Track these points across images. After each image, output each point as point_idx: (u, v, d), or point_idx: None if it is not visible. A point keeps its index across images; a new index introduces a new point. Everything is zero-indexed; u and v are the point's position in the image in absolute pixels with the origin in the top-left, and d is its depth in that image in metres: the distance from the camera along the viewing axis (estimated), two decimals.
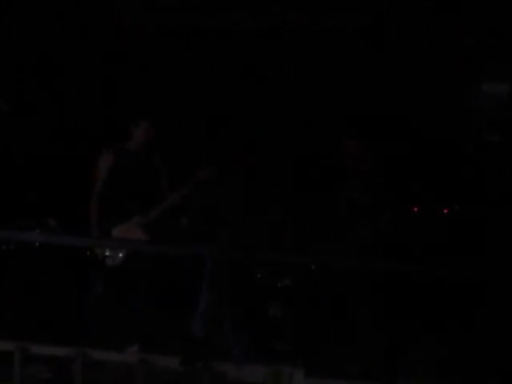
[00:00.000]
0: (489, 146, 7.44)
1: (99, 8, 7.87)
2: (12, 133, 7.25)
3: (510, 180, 7.16)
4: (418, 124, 7.68)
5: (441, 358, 6.30)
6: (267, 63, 8.13)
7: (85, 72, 7.93)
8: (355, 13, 7.89)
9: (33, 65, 7.57)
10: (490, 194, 7.23)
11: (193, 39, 8.19)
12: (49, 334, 6.20)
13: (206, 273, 6.26)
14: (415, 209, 7.23)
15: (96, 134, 7.47)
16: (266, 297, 6.69)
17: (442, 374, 6.15)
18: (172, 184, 6.48)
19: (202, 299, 6.20)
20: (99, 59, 7.99)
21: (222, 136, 7.47)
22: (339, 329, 6.14)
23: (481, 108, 7.51)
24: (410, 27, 7.77)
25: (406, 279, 5.99)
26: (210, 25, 8.13)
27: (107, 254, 6.26)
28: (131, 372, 5.60)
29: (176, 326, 6.52)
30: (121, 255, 6.27)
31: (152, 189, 6.40)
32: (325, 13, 7.97)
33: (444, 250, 6.89)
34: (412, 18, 7.74)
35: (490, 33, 7.38)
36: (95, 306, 6.43)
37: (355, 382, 5.28)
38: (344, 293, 6.16)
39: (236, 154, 7.01)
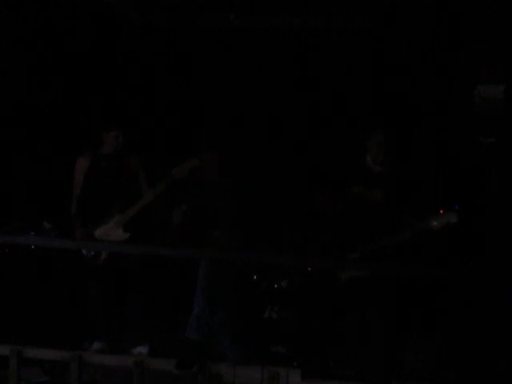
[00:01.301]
0: (485, 147, 7.42)
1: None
2: (6, 135, 7.25)
3: (507, 180, 7.14)
4: (417, 123, 7.68)
5: (437, 360, 6.28)
6: (265, 64, 8.11)
7: (82, 74, 7.92)
8: (356, 13, 7.87)
9: (27, 65, 7.56)
10: (488, 195, 7.21)
11: (188, 39, 8.19)
12: (45, 337, 6.18)
13: (201, 276, 6.24)
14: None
15: (93, 136, 7.46)
16: (262, 299, 6.68)
17: (438, 375, 6.14)
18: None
19: (196, 302, 6.18)
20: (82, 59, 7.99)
21: (220, 136, 7.46)
22: (335, 331, 6.12)
23: (477, 110, 7.50)
24: (410, 27, 7.77)
25: (403, 281, 5.98)
26: (201, 24, 8.15)
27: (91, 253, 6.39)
28: (128, 375, 5.62)
29: (172, 329, 6.51)
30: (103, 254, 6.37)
31: (130, 190, 6.50)
32: (325, 14, 7.96)
33: (442, 251, 6.86)
34: (412, 18, 7.73)
35: (486, 34, 7.38)
36: (91, 307, 6.41)
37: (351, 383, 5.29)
38: (341, 295, 6.13)
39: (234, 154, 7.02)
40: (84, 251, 6.37)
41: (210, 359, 5.66)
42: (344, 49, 7.99)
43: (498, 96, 7.38)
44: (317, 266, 6.18)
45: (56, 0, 7.72)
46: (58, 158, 7.40)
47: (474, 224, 6.99)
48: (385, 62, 7.90)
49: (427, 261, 6.58)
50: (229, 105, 8.08)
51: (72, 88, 7.87)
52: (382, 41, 7.92)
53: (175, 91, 8.23)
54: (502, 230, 7.03)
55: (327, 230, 6.45)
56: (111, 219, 6.40)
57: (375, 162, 6.35)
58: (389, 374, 5.80)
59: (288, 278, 6.62)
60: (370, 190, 6.31)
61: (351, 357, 5.94)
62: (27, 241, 5.88)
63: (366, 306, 6.06)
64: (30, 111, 7.51)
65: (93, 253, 6.34)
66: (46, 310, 6.65)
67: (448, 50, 7.70)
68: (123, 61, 8.22)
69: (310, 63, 8.10)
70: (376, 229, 6.13)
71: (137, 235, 6.39)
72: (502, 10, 7.21)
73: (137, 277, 6.36)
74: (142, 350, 6.24)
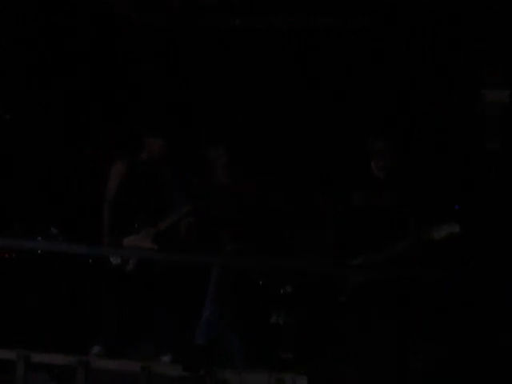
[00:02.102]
0: (490, 152, 7.43)
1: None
2: (16, 140, 7.24)
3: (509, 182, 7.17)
4: (420, 128, 7.68)
5: (440, 365, 6.29)
6: (266, 64, 8.11)
7: (94, 78, 7.91)
8: (356, 13, 7.86)
9: (36, 70, 7.54)
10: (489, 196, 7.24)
11: (188, 39, 8.18)
12: (53, 342, 6.19)
13: (210, 282, 6.28)
14: None
15: (103, 143, 7.49)
16: (268, 304, 6.70)
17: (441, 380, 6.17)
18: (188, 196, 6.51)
19: (206, 307, 6.21)
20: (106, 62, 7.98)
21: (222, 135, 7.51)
22: (340, 336, 6.14)
23: (483, 114, 7.51)
24: (411, 31, 7.78)
25: (408, 284, 6.00)
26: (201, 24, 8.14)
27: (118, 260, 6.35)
28: (134, 380, 5.64)
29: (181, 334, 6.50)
30: (131, 262, 6.32)
31: (162, 200, 6.47)
32: (325, 14, 7.95)
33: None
34: (412, 21, 7.74)
35: (486, 34, 7.39)
36: (104, 313, 6.43)
37: None
38: (346, 300, 6.16)
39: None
40: (112, 258, 6.28)
41: (216, 364, 5.69)
42: (344, 49, 7.99)
43: (504, 101, 7.40)
44: (318, 271, 6.18)
45: (56, 0, 7.71)
46: (67, 163, 7.42)
47: (475, 224, 7.01)
48: (385, 63, 7.90)
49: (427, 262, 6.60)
50: (229, 105, 8.08)
51: (72, 88, 7.87)
52: (382, 41, 7.91)
53: (175, 91, 8.22)
54: (503, 229, 7.06)
55: (327, 230, 6.49)
56: (141, 229, 6.37)
57: (378, 168, 6.39)
58: (393, 380, 5.83)
59: (292, 281, 6.66)
60: (374, 195, 6.34)
61: (355, 361, 5.96)
62: (37, 246, 5.90)
63: (369, 309, 6.10)
64: (32, 113, 7.51)
65: (120, 260, 6.28)
66: (50, 314, 6.68)
67: (448, 50, 7.70)
68: (123, 61, 8.21)
69: (311, 63, 8.09)
70: (380, 235, 6.17)
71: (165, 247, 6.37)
72: (502, 10, 7.23)
73: (162, 285, 6.35)
74: (166, 358, 6.19)
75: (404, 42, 7.84)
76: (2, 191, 7.06)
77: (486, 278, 5.51)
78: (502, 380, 6.01)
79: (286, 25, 8.11)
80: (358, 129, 7.27)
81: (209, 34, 8.18)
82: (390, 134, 6.44)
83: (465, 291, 6.34)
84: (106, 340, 6.26)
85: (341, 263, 6.02)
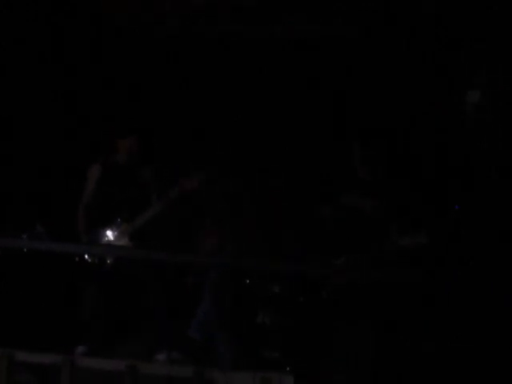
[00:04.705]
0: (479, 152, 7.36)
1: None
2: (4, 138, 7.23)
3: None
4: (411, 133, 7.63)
5: (427, 370, 6.20)
6: (259, 71, 8.06)
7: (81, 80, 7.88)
8: (344, 23, 7.81)
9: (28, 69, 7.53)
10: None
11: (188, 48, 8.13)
12: (39, 342, 6.12)
13: (208, 283, 6.26)
14: None
15: (87, 143, 7.47)
16: (255, 304, 6.66)
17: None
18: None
19: (200, 306, 6.19)
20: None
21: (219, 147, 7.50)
22: (327, 337, 6.10)
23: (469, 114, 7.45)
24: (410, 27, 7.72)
25: (398, 288, 5.94)
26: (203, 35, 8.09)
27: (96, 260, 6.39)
28: (120, 379, 5.58)
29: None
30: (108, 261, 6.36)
31: (141, 200, 6.52)
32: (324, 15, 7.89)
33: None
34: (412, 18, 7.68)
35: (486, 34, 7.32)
36: (85, 311, 6.39)
37: None
38: (333, 301, 6.12)
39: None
40: (88, 257, 6.35)
41: (205, 364, 5.67)
42: (339, 54, 7.93)
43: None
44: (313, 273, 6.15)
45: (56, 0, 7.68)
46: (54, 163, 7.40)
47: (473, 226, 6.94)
48: (380, 68, 7.84)
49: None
50: (227, 112, 8.03)
51: (70, 89, 7.84)
52: (379, 45, 7.85)
53: (175, 96, 8.17)
54: (500, 231, 6.98)
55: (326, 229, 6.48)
56: (118, 228, 6.43)
57: (367, 172, 6.37)
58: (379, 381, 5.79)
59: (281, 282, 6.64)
60: (361, 199, 6.31)
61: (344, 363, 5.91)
62: (23, 244, 5.89)
63: (358, 313, 6.06)
64: (29, 114, 7.49)
65: (97, 260, 6.34)
66: (34, 312, 6.64)
67: (448, 50, 7.65)
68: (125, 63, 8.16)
69: (310, 67, 8.04)
70: (364, 236, 6.16)
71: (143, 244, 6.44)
72: (501, 10, 7.16)
73: (153, 284, 6.35)
74: (161, 357, 6.18)
75: (403, 44, 7.79)
76: None
77: (485, 278, 5.47)
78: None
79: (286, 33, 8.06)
80: (352, 133, 7.24)
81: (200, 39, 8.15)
82: (381, 140, 6.44)
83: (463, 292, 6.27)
84: (91, 340, 6.27)
85: (329, 263, 6.05)
